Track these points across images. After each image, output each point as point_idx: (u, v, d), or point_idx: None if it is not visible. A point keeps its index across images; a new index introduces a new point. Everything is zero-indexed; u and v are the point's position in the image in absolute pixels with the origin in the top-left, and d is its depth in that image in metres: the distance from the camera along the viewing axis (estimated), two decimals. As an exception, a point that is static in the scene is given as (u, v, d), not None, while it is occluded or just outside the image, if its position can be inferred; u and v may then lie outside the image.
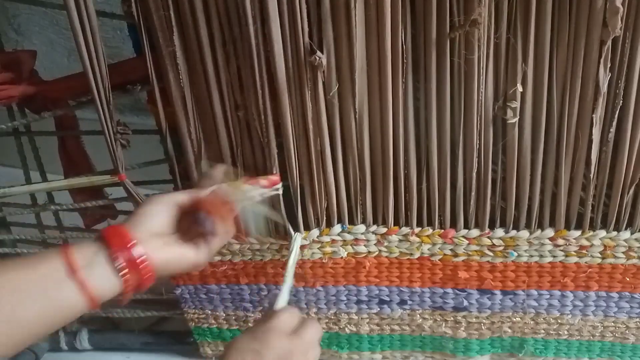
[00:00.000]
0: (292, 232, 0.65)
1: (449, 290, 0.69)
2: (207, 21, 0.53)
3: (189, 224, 0.53)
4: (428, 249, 0.66)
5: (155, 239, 0.50)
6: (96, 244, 0.47)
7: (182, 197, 0.53)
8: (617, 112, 0.54)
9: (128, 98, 0.95)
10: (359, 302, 0.72)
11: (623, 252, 0.63)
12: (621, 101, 0.54)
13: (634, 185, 0.59)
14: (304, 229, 0.66)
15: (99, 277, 0.46)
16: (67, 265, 0.45)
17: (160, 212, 0.51)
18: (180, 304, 0.76)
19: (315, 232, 0.66)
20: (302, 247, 0.67)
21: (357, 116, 0.57)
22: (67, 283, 0.44)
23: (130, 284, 0.47)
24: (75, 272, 0.45)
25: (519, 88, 0.54)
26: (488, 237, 0.64)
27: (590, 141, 0.56)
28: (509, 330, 0.72)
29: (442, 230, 0.64)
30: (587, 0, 0.49)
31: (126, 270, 0.47)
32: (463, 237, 0.64)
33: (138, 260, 0.47)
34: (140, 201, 0.64)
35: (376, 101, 0.56)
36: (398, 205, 0.63)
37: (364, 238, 0.66)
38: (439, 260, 0.67)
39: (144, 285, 0.49)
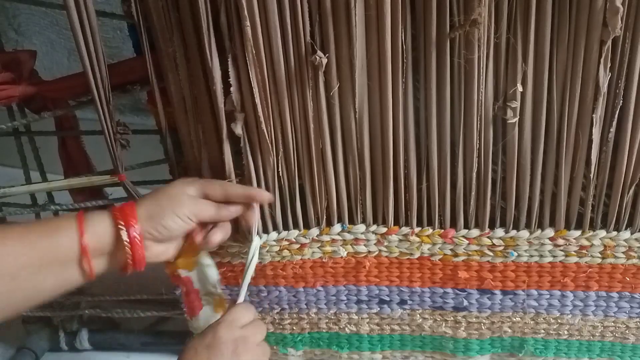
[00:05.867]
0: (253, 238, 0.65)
1: (449, 290, 0.69)
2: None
3: None
4: (428, 249, 0.66)
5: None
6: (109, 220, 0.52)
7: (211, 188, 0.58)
8: (617, 112, 0.54)
9: (128, 98, 0.96)
10: (359, 302, 0.72)
11: (623, 252, 0.63)
12: (621, 101, 0.54)
13: (634, 185, 0.59)
14: (304, 227, 0.66)
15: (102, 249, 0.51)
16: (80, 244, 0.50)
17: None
18: (180, 304, 0.76)
19: (315, 231, 0.66)
20: (302, 246, 0.67)
21: (357, 116, 0.57)
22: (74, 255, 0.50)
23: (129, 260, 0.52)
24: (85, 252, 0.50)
25: (519, 88, 0.54)
26: (488, 237, 0.64)
27: (590, 141, 0.56)
28: (509, 330, 0.72)
29: (442, 230, 0.64)
30: (587, 0, 0.49)
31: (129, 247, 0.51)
32: (463, 237, 0.64)
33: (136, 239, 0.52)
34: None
35: (376, 101, 0.56)
36: (398, 205, 0.63)
37: (364, 238, 0.66)
38: (439, 260, 0.67)
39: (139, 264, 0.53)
